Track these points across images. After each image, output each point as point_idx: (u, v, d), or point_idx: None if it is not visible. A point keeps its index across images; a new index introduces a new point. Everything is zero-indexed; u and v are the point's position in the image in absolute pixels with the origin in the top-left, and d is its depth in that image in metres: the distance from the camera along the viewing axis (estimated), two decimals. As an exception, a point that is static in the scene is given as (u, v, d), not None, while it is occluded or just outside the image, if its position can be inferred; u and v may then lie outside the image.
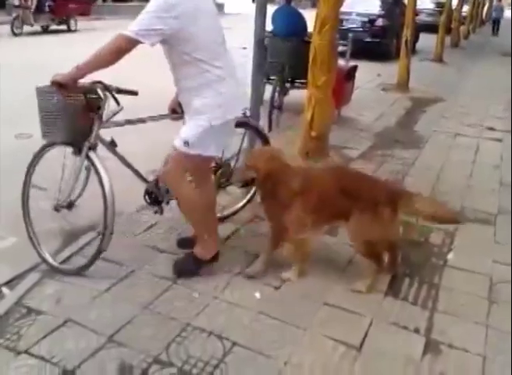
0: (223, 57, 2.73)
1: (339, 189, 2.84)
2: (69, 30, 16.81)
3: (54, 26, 16.48)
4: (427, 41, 16.77)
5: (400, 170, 5.25)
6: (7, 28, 14.53)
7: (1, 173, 4.18)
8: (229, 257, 3.23)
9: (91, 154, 2.76)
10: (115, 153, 2.96)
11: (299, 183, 2.86)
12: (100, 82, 2.72)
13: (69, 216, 3.05)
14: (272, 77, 6.94)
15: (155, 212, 3.25)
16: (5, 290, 2.91)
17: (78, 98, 2.68)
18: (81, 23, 17.61)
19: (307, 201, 2.84)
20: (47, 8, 15.62)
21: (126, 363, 2.33)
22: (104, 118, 2.77)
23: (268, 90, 6.64)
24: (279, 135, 6.06)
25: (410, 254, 3.45)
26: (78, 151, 2.78)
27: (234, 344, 2.49)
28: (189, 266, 3.01)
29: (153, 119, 3.09)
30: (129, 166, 3.06)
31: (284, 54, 6.73)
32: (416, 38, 14.61)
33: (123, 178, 3.08)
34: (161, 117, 3.18)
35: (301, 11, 7.42)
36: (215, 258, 3.05)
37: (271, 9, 5.25)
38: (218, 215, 3.46)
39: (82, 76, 2.54)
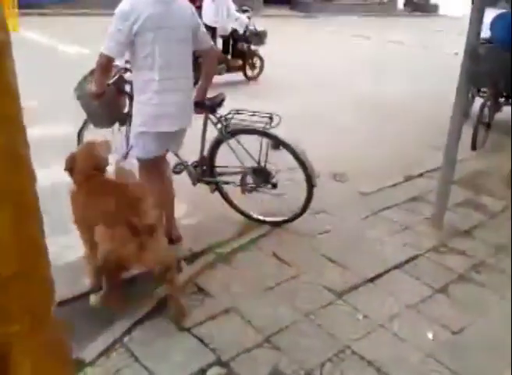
0: (169, 71, 2.81)
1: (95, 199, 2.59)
2: None
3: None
4: None
5: None
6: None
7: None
8: (404, 287, 2.94)
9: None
10: None
11: (74, 186, 2.69)
12: (123, 68, 3.23)
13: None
14: (483, 90, 6.21)
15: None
16: (184, 264, 3.09)
17: (111, 91, 3.12)
18: None
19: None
20: None
21: (279, 370, 2.25)
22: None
23: (477, 104, 5.95)
24: (484, 156, 5.39)
25: None
26: (122, 123, 3.37)
27: (394, 383, 2.24)
28: None
29: None
30: None
31: (502, 66, 5.94)
32: None
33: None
34: None
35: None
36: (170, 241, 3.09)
37: (490, 14, 4.63)
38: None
39: (103, 85, 2.93)
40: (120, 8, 2.71)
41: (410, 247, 3.37)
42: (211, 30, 7.84)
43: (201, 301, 2.68)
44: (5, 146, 0.82)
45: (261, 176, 3.36)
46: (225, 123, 3.27)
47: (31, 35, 10.49)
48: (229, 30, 8.00)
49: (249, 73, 8.34)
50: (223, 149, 3.40)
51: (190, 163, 3.45)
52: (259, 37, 8.22)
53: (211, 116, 3.29)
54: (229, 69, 8.01)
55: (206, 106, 3.21)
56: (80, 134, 3.73)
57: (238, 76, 8.16)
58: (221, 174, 3.51)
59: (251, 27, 8.17)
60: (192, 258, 3.13)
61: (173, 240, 3.19)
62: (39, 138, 4.41)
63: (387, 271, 3.09)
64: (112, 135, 3.38)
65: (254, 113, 3.24)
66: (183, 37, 2.85)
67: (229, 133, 3.29)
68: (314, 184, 3.29)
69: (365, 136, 5.58)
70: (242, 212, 3.58)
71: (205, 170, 3.44)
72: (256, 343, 2.41)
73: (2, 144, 0.81)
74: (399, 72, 9.39)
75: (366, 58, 10.59)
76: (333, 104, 6.98)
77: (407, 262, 3.20)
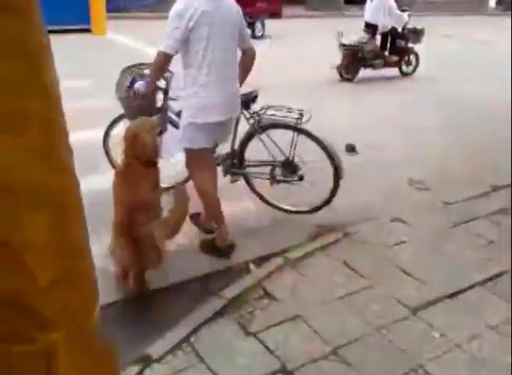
0: (217, 65, 2.89)
1: None
2: (252, 36, 12.07)
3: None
4: None
5: None
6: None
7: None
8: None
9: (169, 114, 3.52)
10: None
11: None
12: None
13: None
14: None
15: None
16: (252, 266, 3.07)
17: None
18: (269, 26, 13.33)
19: None
20: None
21: (345, 385, 2.16)
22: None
23: None
24: None
25: None
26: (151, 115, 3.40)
27: (472, 412, 2.06)
28: (208, 250, 3.20)
29: None
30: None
31: None
32: None
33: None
34: None
35: None
36: (230, 247, 3.19)
37: None
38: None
39: (155, 83, 3.16)
40: (175, 8, 2.83)
41: (495, 263, 3.12)
42: (372, 28, 8.43)
43: (268, 306, 2.64)
44: (44, 148, 0.81)
45: (289, 169, 3.53)
46: (257, 118, 3.43)
47: (118, 38, 11.04)
48: (389, 27, 8.46)
49: (404, 69, 8.75)
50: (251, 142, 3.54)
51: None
52: (417, 34, 8.65)
53: (244, 111, 3.40)
54: (386, 65, 8.54)
55: (240, 101, 3.28)
56: (106, 134, 3.85)
57: (394, 71, 8.63)
58: (249, 166, 3.66)
59: (409, 26, 8.61)
60: (260, 261, 3.10)
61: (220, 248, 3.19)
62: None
63: (468, 288, 2.87)
64: None
65: (283, 109, 3.42)
66: (232, 33, 2.98)
67: (261, 127, 3.45)
68: (341, 176, 3.42)
69: (450, 139, 5.29)
70: (267, 202, 3.72)
71: (235, 163, 3.61)
72: (323, 354, 2.32)
73: (42, 146, 0.80)
74: (489, 73, 8.83)
75: (454, 58, 10.08)
76: (418, 104, 6.72)
77: (490, 279, 2.96)
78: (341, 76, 8.12)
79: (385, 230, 3.45)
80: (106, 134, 3.88)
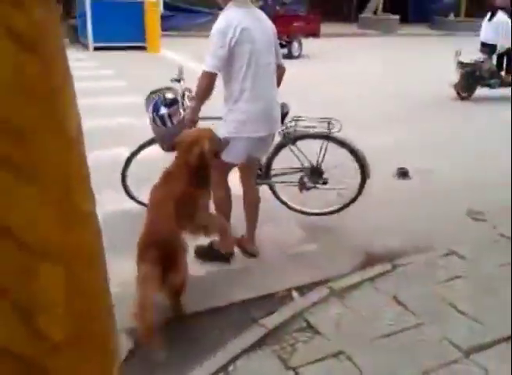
0: (259, 80, 2.93)
1: None
2: (289, 56, 11.73)
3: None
4: None
5: None
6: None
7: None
8: None
9: None
10: None
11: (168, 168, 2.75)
12: (188, 88, 3.41)
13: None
14: None
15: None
16: (294, 294, 2.97)
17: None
18: (307, 45, 13.01)
19: None
20: None
21: None
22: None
23: None
24: None
25: None
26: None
27: None
28: (204, 257, 3.27)
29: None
30: None
31: None
32: None
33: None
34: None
35: None
36: (231, 254, 3.28)
37: None
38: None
39: (200, 109, 3.04)
40: (217, 27, 2.85)
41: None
42: (489, 47, 8.58)
43: (310, 339, 2.52)
44: (61, 199, 0.74)
45: (316, 175, 3.70)
46: (287, 131, 3.56)
47: (171, 55, 11.32)
48: (506, 47, 8.56)
49: None
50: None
51: None
52: None
53: None
54: (502, 85, 8.65)
55: None
56: (128, 162, 3.67)
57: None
58: (276, 175, 3.79)
59: None
60: (303, 289, 2.99)
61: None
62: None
63: (526, 331, 2.65)
64: None
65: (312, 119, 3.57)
66: (271, 49, 3.05)
67: (292, 139, 3.58)
68: (367, 176, 3.61)
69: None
70: (294, 209, 3.85)
71: (260, 175, 3.67)
72: (367, 396, 2.19)
73: (58, 197, 0.73)
74: None
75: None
76: (476, 128, 6.46)
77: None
78: (458, 94, 8.34)
79: (439, 263, 3.24)
80: (127, 163, 3.68)
